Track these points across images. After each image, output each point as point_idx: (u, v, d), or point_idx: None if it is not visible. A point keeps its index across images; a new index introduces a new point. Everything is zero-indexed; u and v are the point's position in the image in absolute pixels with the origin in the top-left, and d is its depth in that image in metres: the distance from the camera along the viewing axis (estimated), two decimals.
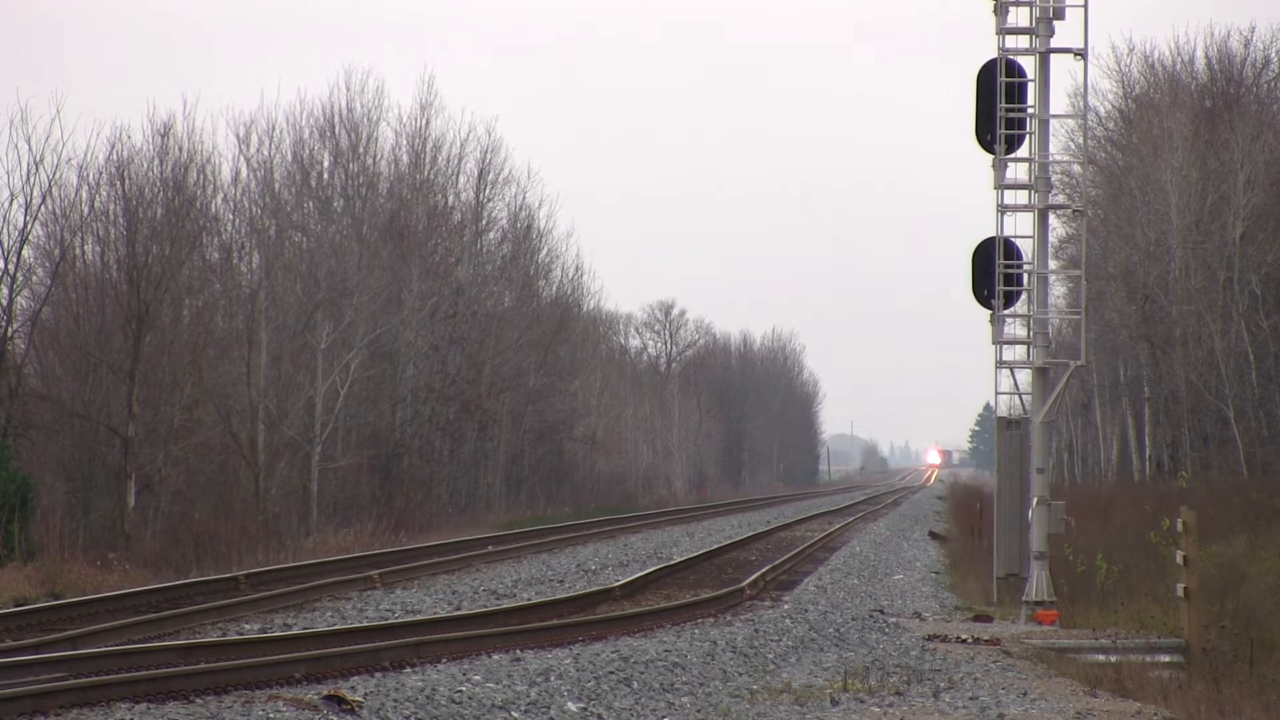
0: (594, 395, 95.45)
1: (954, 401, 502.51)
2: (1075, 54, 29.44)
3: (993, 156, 29.47)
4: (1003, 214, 29.59)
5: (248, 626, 25.18)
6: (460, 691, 18.01)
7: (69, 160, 45.72)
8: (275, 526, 46.43)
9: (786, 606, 29.77)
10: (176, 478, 47.63)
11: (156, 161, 50.53)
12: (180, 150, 51.21)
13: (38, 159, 43.93)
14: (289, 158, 62.10)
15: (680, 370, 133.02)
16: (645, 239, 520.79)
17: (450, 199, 71.35)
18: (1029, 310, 29.86)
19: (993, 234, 29.62)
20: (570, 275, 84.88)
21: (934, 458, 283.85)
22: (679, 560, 39.42)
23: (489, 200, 74.35)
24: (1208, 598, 26.53)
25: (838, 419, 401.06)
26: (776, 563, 39.65)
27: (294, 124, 63.12)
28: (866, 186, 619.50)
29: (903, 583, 36.95)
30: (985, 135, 29.46)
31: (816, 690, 19.92)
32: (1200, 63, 68.68)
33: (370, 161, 66.15)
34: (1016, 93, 29.42)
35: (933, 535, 56.83)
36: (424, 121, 69.41)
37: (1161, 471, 62.54)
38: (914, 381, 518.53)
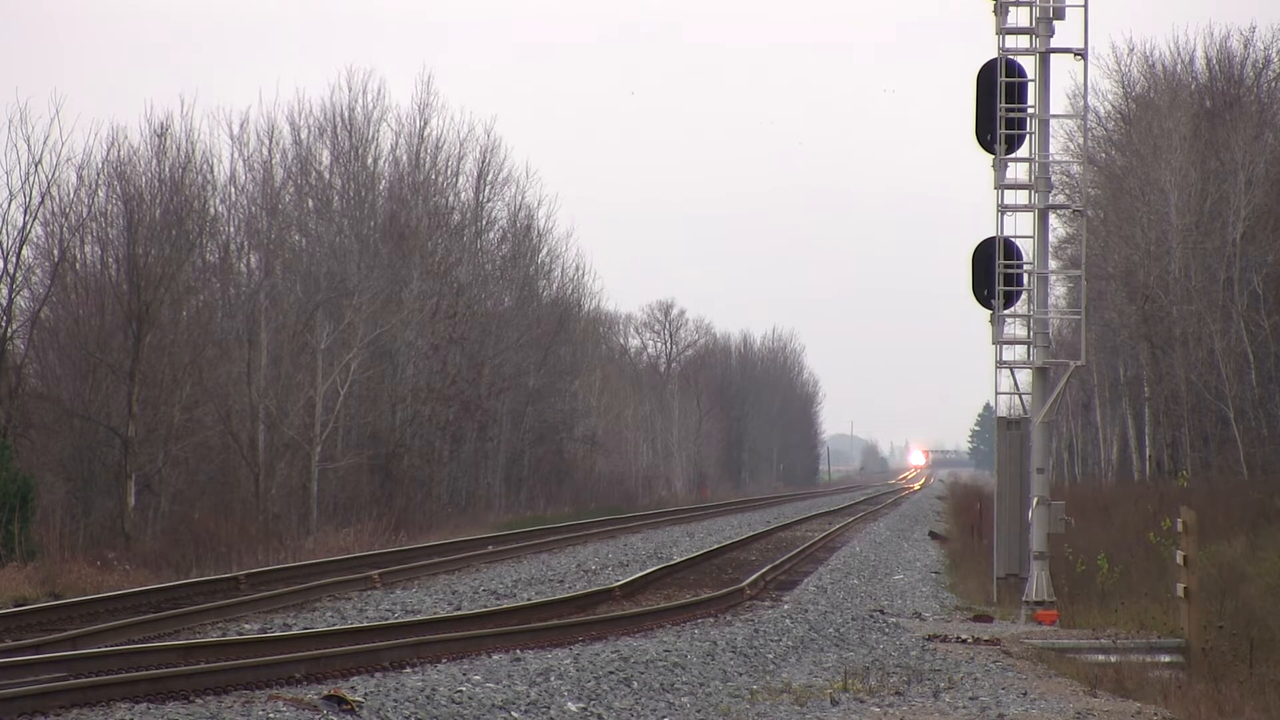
0: (594, 395, 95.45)
1: (954, 401, 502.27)
2: (1075, 54, 29.48)
3: (993, 156, 29.51)
4: (1003, 214, 29.63)
5: (248, 626, 25.19)
6: (460, 691, 18.02)
7: (68, 160, 45.79)
8: (275, 526, 46.42)
9: (786, 606, 29.78)
10: (176, 478, 47.63)
11: (155, 161, 50.57)
12: (178, 150, 51.26)
13: (36, 159, 43.99)
14: (288, 157, 62.12)
15: (680, 370, 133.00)
16: (645, 239, 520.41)
17: (450, 199, 71.36)
18: (1029, 310, 29.89)
19: (993, 234, 29.66)
20: (570, 275, 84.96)
21: (918, 458, 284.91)
22: (679, 560, 39.43)
23: (489, 200, 74.39)
24: (1208, 598, 26.53)
25: (838, 419, 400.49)
26: (776, 563, 39.65)
27: (293, 124, 63.17)
28: (867, 186, 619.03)
29: (903, 583, 36.95)
30: (985, 135, 29.50)
31: (816, 690, 19.92)
32: (1200, 63, 68.68)
33: (370, 161, 66.15)
34: (1016, 93, 29.45)
35: (933, 535, 56.84)
36: (423, 122, 69.46)
37: (1161, 471, 62.53)
38: (914, 381, 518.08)
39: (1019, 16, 29.48)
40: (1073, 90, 66.39)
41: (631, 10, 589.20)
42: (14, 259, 43.42)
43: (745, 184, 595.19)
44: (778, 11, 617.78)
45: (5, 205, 43.34)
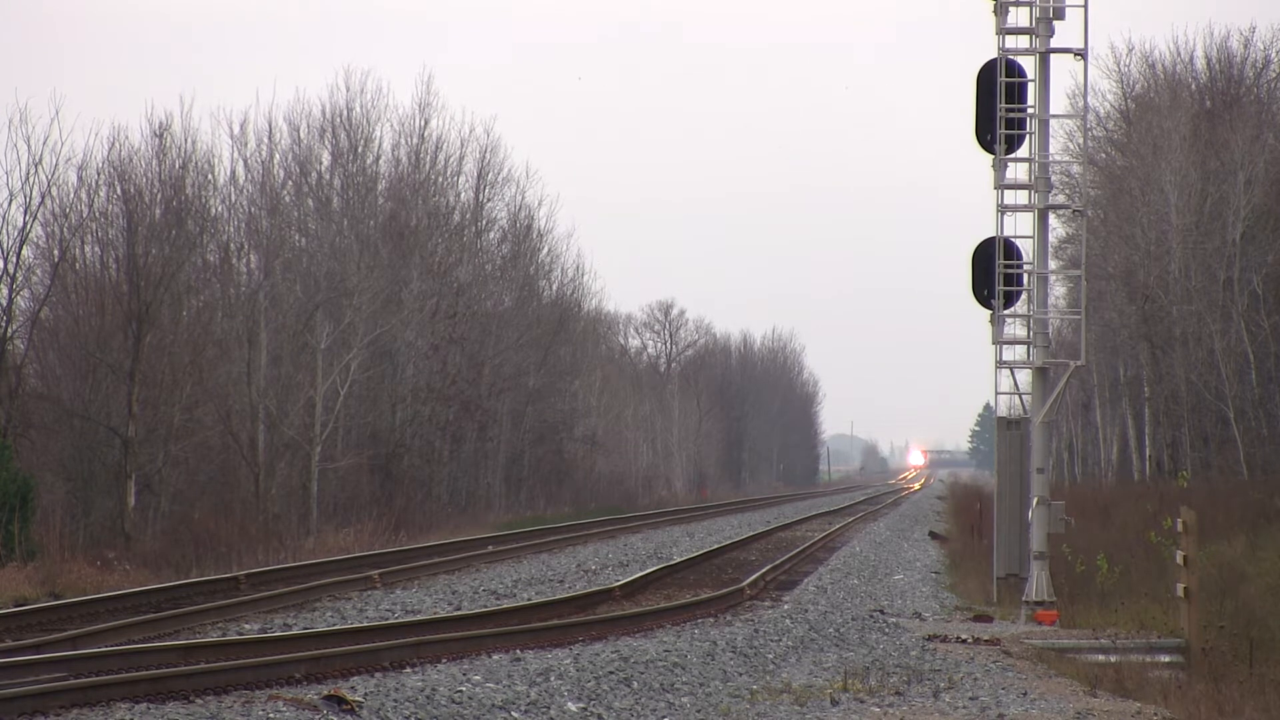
0: (594, 395, 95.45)
1: (954, 401, 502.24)
2: (1075, 54, 29.49)
3: (993, 156, 29.52)
4: (1003, 214, 29.64)
5: (248, 626, 25.19)
6: (460, 691, 18.02)
7: (68, 160, 45.80)
8: (275, 526, 46.42)
9: (786, 606, 29.78)
10: (176, 478, 47.63)
11: (155, 162, 50.58)
12: (178, 150, 51.25)
13: (37, 159, 44.00)
14: (288, 158, 62.11)
15: (680, 370, 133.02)
16: (645, 239, 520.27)
17: (450, 199, 71.35)
18: (1029, 310, 29.89)
19: (993, 234, 29.67)
20: (570, 275, 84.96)
21: (917, 458, 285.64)
22: (679, 560, 39.43)
23: (489, 200, 74.40)
24: (1208, 598, 26.53)
25: (838, 419, 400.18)
26: (776, 563, 39.65)
27: (293, 124, 63.16)
28: (867, 186, 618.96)
29: (903, 583, 36.96)
30: (985, 135, 29.50)
31: (816, 690, 19.92)
32: (1200, 63, 68.72)
33: (369, 161, 66.15)
34: (1016, 93, 29.46)
35: (933, 535, 56.83)
36: (423, 121, 69.46)
37: (1161, 471, 62.53)
38: (914, 381, 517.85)
39: (1019, 16, 29.48)
40: (1073, 90, 66.47)
41: (631, 10, 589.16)
42: (14, 259, 43.46)
43: (745, 184, 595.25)
44: (778, 11, 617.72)
45: (5, 205, 43.40)
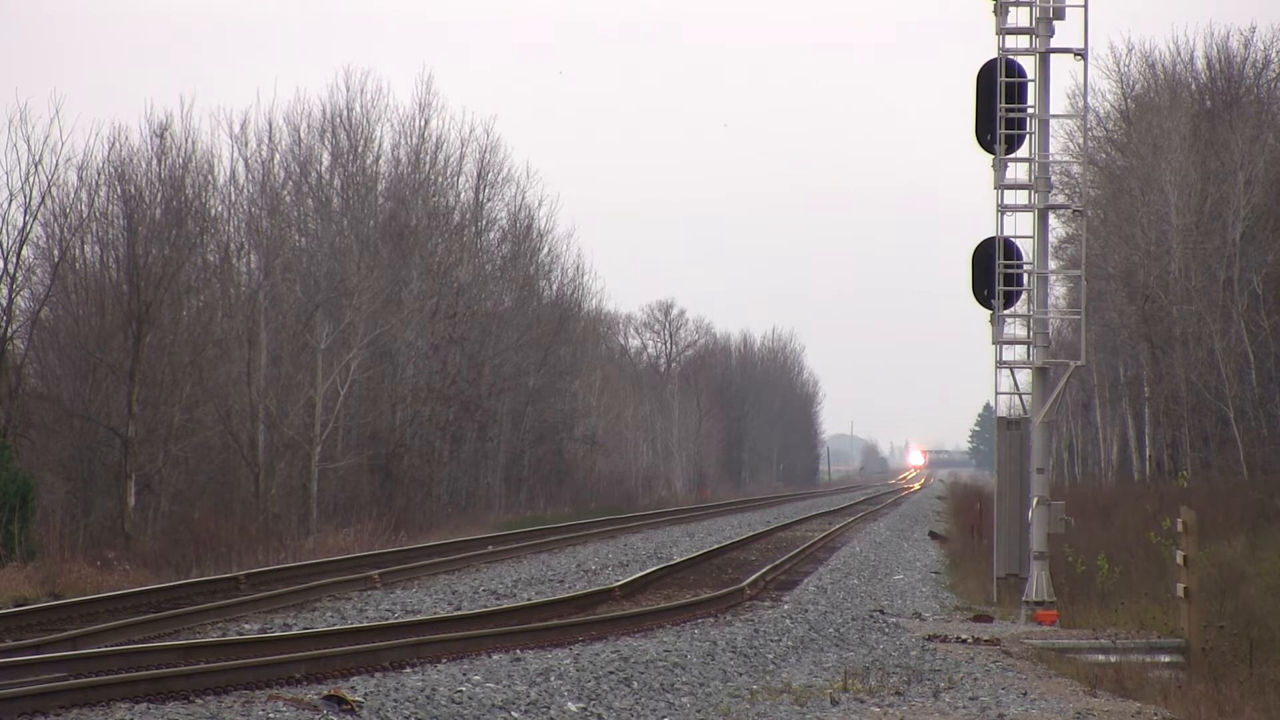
0: (594, 395, 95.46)
1: (954, 401, 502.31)
2: (1075, 54, 29.50)
3: (993, 156, 29.53)
4: (1003, 214, 29.64)
5: (248, 626, 25.19)
6: (460, 691, 18.02)
7: (68, 160, 45.82)
8: (275, 526, 46.42)
9: (786, 606, 29.79)
10: (176, 478, 47.63)
11: (155, 162, 50.58)
12: (178, 150, 51.25)
13: (37, 159, 44.02)
14: (288, 158, 62.10)
15: (680, 370, 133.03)
16: (645, 239, 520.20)
17: (450, 199, 71.36)
18: (1029, 310, 29.90)
19: (993, 234, 29.68)
20: (571, 275, 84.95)
21: (916, 458, 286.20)
22: (679, 560, 39.43)
23: (488, 200, 74.40)
24: (1208, 598, 26.54)
25: (838, 419, 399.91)
26: (777, 563, 39.65)
27: (293, 124, 63.15)
28: (867, 186, 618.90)
29: (903, 583, 36.96)
30: (985, 135, 29.51)
31: (816, 690, 19.92)
32: (1200, 63, 68.74)
33: (369, 161, 66.15)
34: (1016, 93, 29.47)
35: (933, 535, 56.84)
36: (423, 121, 69.46)
37: (1161, 471, 62.52)
38: (914, 381, 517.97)
39: (1019, 16, 29.49)
40: (1073, 90, 66.48)
41: (631, 10, 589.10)
42: (14, 259, 43.47)
43: (745, 184, 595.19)
44: (778, 11, 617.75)
45: (5, 205, 43.42)
